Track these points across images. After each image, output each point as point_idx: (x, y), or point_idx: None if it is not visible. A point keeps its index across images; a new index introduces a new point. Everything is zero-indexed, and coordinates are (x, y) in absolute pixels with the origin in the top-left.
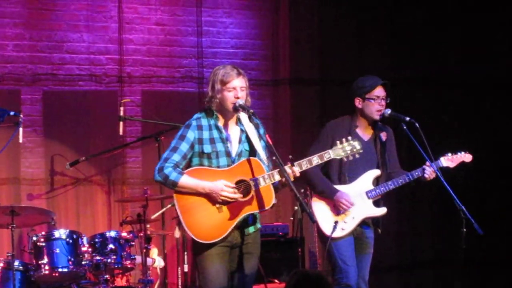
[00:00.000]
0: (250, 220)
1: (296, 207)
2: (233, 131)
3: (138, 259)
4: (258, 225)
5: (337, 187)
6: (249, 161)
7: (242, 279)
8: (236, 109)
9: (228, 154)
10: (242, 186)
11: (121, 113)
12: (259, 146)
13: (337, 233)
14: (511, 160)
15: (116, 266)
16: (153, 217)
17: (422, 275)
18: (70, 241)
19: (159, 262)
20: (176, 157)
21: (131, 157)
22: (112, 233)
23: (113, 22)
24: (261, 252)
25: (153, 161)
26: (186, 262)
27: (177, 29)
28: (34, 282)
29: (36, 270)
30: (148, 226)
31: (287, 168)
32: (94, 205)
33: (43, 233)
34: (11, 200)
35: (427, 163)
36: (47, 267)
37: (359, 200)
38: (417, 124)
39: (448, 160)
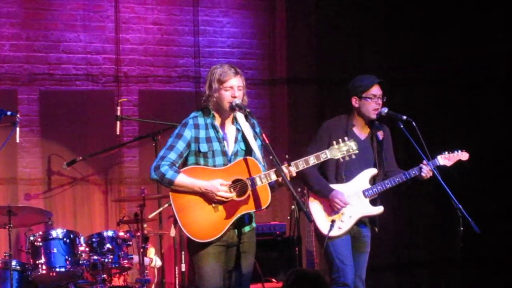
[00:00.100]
0: (246, 219)
1: (293, 206)
2: (230, 130)
3: (135, 258)
4: (254, 224)
5: (334, 186)
6: (245, 160)
7: (239, 278)
8: (232, 108)
9: (224, 153)
10: (239, 185)
11: (118, 113)
12: (255, 145)
13: (334, 232)
14: (508, 158)
15: (113, 266)
16: (150, 216)
17: (419, 274)
18: (68, 240)
19: (156, 262)
20: (172, 155)
21: (128, 157)
22: (109, 233)
23: (110, 22)
24: (259, 251)
25: (150, 161)
26: (183, 261)
27: (174, 29)
28: (32, 282)
29: (34, 270)
30: (145, 225)
31: (283, 168)
32: (91, 205)
33: (40, 233)
34: (8, 200)
35: (424, 161)
36: (44, 267)
37: (356, 199)
38: (414, 123)
39: (445, 159)
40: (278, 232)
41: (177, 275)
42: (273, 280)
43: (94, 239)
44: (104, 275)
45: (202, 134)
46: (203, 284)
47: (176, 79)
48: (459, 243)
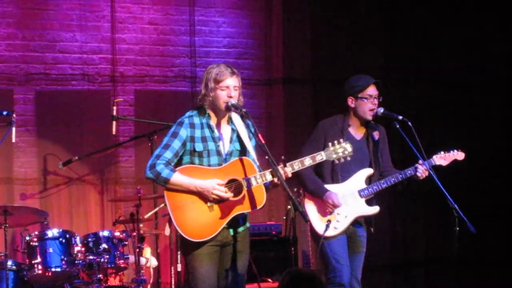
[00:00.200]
0: (240, 219)
1: (289, 206)
2: (225, 130)
3: (131, 258)
4: (248, 224)
5: (329, 186)
6: (241, 160)
7: (235, 277)
8: (228, 108)
9: (219, 153)
10: (234, 185)
11: (114, 113)
12: (250, 146)
13: (330, 232)
14: (505, 158)
15: (109, 266)
16: (146, 216)
17: (415, 274)
18: (63, 240)
19: (152, 262)
20: (168, 154)
21: (124, 157)
22: (105, 233)
23: (106, 22)
24: (255, 251)
25: (146, 161)
26: (179, 261)
27: (170, 29)
28: (27, 282)
29: (29, 269)
30: (141, 225)
31: (279, 168)
32: (87, 205)
33: (36, 232)
34: (4, 200)
35: (420, 161)
36: (40, 267)
37: (352, 199)
38: (409, 123)
39: (441, 158)
40: (274, 232)
41: (173, 275)
42: (269, 280)
43: (90, 239)
44: (100, 275)
45: (197, 133)
46: (197, 285)
47: (172, 79)
48: (455, 243)
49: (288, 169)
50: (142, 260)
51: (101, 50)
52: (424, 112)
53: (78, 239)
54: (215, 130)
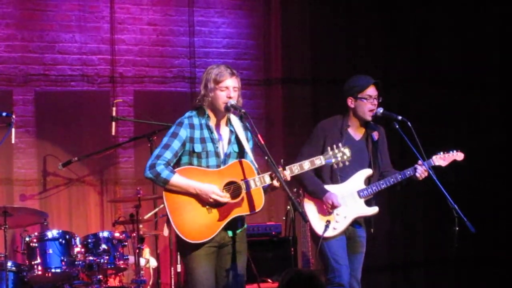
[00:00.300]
0: (238, 221)
1: (288, 207)
2: (224, 132)
3: (131, 259)
4: (245, 225)
5: (329, 187)
6: (240, 162)
7: (235, 277)
8: (227, 108)
9: (217, 154)
10: (232, 187)
11: (114, 113)
12: (248, 147)
13: (329, 233)
14: (504, 158)
15: (109, 267)
16: (145, 217)
17: (415, 274)
18: (63, 241)
19: (152, 262)
20: (168, 154)
21: (124, 157)
22: (105, 234)
23: (105, 23)
24: (254, 251)
25: (145, 161)
26: (179, 262)
27: (169, 29)
28: (27, 283)
29: (29, 270)
30: (141, 226)
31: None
32: (87, 206)
33: (36, 233)
34: (3, 201)
35: (419, 162)
36: (40, 268)
37: (351, 200)
38: (409, 123)
39: (440, 159)
40: (273, 233)
41: (172, 276)
42: (269, 280)
43: (89, 240)
44: (100, 276)
45: (196, 134)
46: (196, 285)
47: (171, 80)
48: (455, 243)
49: (287, 172)
50: (142, 261)
51: (100, 51)
52: (424, 113)
53: (77, 240)
54: (214, 131)
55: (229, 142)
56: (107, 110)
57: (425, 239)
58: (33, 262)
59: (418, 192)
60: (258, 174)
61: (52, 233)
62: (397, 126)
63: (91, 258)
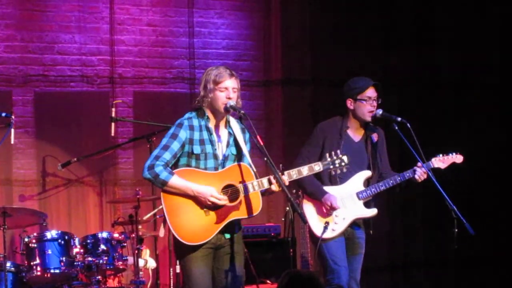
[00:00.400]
0: (235, 224)
1: (287, 208)
2: (222, 134)
3: (130, 260)
4: (241, 227)
5: (328, 188)
6: (239, 166)
7: (233, 279)
8: (227, 109)
9: (215, 156)
10: (230, 190)
11: (113, 114)
12: (246, 150)
13: (328, 234)
14: (504, 159)
15: (108, 267)
16: (145, 218)
17: (414, 275)
18: (62, 242)
19: (151, 263)
20: (167, 155)
21: (123, 158)
22: (104, 234)
23: (105, 23)
24: (253, 252)
25: (144, 163)
26: (178, 263)
27: (168, 30)
28: (26, 283)
29: (28, 271)
30: (140, 227)
31: (278, 171)
32: (86, 206)
33: (35, 234)
34: (3, 201)
35: (419, 164)
36: (39, 268)
37: (350, 201)
38: (408, 125)
39: (439, 161)
40: (272, 234)
41: (171, 277)
42: (268, 281)
43: (88, 241)
44: (99, 277)
45: (196, 135)
46: (193, 287)
47: (171, 81)
48: (454, 244)
49: (285, 177)
50: (141, 262)
51: (99, 52)
52: (423, 114)
53: (77, 241)
54: (214, 133)
55: (228, 144)
56: (106, 111)
57: (425, 239)
58: (32, 263)
59: (417, 193)
60: (257, 178)
61: (51, 233)
62: (396, 128)
63: (90, 258)
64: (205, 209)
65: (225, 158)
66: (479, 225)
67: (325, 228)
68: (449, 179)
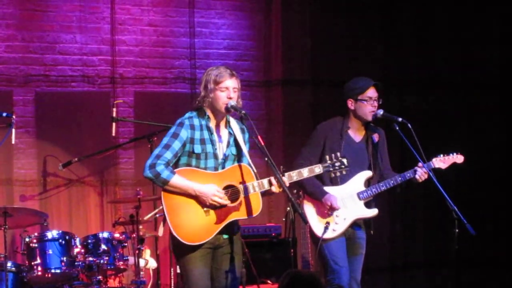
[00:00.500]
0: (235, 224)
1: (288, 208)
2: (223, 133)
3: (131, 260)
4: (240, 227)
5: (328, 188)
6: (240, 166)
7: (232, 279)
8: (227, 109)
9: (215, 156)
10: (231, 191)
11: (114, 114)
12: (246, 150)
13: (329, 234)
14: (504, 159)
15: (108, 267)
16: (145, 218)
17: (415, 275)
18: (63, 242)
19: (152, 263)
20: (168, 154)
21: (124, 158)
22: (105, 234)
23: (106, 23)
24: (254, 252)
25: (145, 162)
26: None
27: (169, 30)
28: (27, 283)
29: (29, 271)
30: (140, 227)
31: (278, 171)
32: (87, 206)
33: (35, 234)
34: (3, 201)
35: (419, 164)
36: (39, 268)
37: (351, 202)
38: (409, 125)
39: (440, 161)
40: (273, 234)
41: (172, 277)
42: (269, 281)
43: (89, 241)
44: (100, 277)
45: (197, 135)
46: (192, 287)
47: (171, 81)
48: (455, 245)
49: (285, 179)
50: (142, 262)
51: (100, 52)
52: (424, 114)
53: (77, 241)
54: (214, 133)
55: (228, 144)
56: (107, 111)
57: (425, 240)
58: (33, 263)
59: (418, 193)
60: (257, 178)
61: (52, 233)
62: (397, 128)
63: (91, 258)
64: (205, 209)
65: (225, 158)
66: (480, 225)
67: (326, 228)
68: (449, 179)
